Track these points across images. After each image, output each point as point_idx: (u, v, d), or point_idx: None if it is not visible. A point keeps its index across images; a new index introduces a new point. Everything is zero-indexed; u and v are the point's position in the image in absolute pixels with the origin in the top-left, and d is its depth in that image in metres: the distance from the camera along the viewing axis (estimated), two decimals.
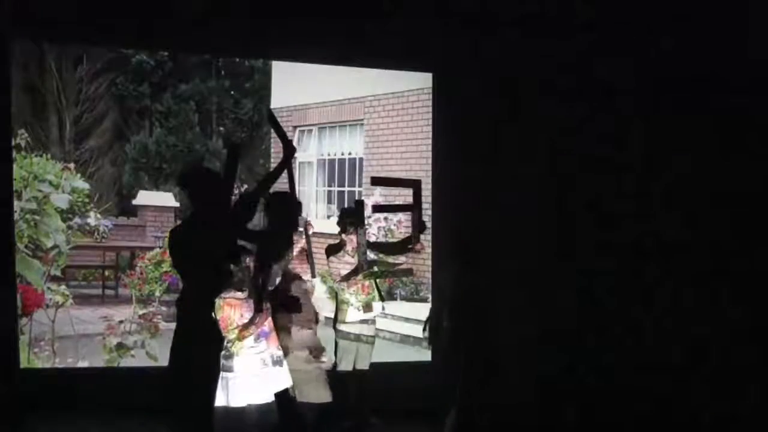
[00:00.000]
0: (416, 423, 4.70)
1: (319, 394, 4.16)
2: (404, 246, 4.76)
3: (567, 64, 4.96)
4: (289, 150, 4.07)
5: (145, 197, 9.93)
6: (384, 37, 5.08)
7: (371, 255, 4.71)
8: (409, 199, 4.64)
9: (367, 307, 4.63)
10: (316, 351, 4.05)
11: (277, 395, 3.92)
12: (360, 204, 4.76)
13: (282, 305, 4.08)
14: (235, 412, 3.92)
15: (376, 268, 4.63)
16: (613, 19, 4.83)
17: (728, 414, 4.30)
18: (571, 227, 4.96)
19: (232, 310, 3.88)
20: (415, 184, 4.66)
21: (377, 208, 5.60)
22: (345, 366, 4.64)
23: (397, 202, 5.79)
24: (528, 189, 5.05)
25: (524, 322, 4.98)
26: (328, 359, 4.30)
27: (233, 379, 3.90)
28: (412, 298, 7.66)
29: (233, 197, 3.75)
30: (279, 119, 4.56)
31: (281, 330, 4.04)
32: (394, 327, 6.77)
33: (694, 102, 4.59)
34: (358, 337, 4.61)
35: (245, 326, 3.89)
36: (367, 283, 4.60)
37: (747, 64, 4.41)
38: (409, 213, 4.89)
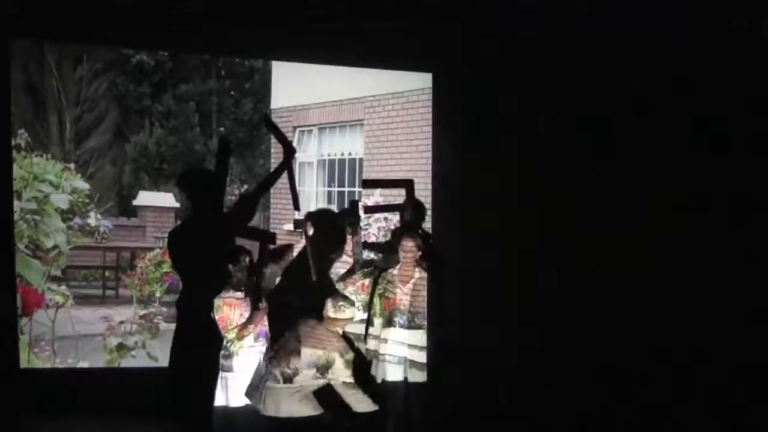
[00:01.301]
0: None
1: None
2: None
3: (567, 63, 4.96)
4: (289, 151, 4.08)
5: (145, 198, 9.92)
6: (384, 37, 5.09)
7: (370, 255, 4.71)
8: None
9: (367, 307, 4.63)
10: (323, 368, 3.96)
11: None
12: (354, 204, 4.76)
13: (280, 306, 4.06)
14: (235, 412, 3.92)
15: (373, 268, 4.62)
16: (614, 18, 4.83)
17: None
18: (571, 225, 4.96)
19: (231, 309, 3.88)
20: (407, 184, 4.66)
21: (369, 210, 5.56)
22: None
23: (396, 202, 5.79)
24: (528, 188, 5.06)
25: (523, 321, 4.98)
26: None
27: (233, 379, 3.90)
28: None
29: (233, 197, 3.75)
30: (279, 120, 4.57)
31: (291, 352, 3.92)
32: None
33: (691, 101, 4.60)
34: (357, 337, 4.60)
35: (243, 326, 3.89)
36: (366, 282, 4.60)
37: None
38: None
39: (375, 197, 7.65)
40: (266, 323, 4.06)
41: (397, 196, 5.04)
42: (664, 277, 4.70)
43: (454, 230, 5.25)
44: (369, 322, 4.43)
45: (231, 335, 3.89)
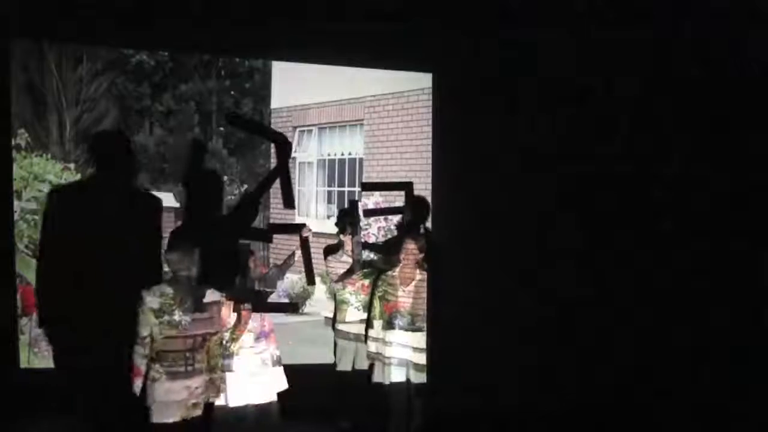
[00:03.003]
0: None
1: None
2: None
3: (567, 63, 4.96)
4: (283, 146, 3.97)
5: None
6: (384, 37, 5.09)
7: (370, 255, 4.71)
8: None
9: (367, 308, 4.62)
10: None
11: None
12: (354, 204, 4.75)
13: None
14: (234, 412, 3.92)
15: (373, 269, 4.61)
16: (614, 16, 4.83)
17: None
18: (570, 226, 4.96)
19: (229, 309, 3.88)
20: (407, 187, 4.63)
21: (368, 213, 5.52)
22: (344, 366, 4.64)
23: (396, 203, 5.79)
24: (528, 189, 5.05)
25: (522, 320, 4.98)
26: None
27: (231, 379, 3.90)
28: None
29: (233, 197, 3.74)
30: (279, 120, 4.52)
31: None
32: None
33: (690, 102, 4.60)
34: (357, 337, 4.60)
35: (234, 328, 3.90)
36: (366, 283, 4.59)
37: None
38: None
39: (375, 197, 7.66)
40: (267, 324, 4.08)
41: (398, 196, 5.04)
42: (664, 279, 4.71)
43: (454, 230, 5.25)
44: (369, 324, 4.42)
45: (227, 335, 3.89)
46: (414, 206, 4.56)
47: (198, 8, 4.72)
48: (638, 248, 4.83)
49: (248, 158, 11.82)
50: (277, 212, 9.00)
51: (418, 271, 4.27)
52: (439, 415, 4.46)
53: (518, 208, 5.06)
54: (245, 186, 10.34)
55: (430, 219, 4.92)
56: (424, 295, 4.28)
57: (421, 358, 4.24)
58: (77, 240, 3.00)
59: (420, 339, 4.25)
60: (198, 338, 3.35)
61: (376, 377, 4.28)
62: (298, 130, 10.01)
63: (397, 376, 4.24)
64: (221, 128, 12.00)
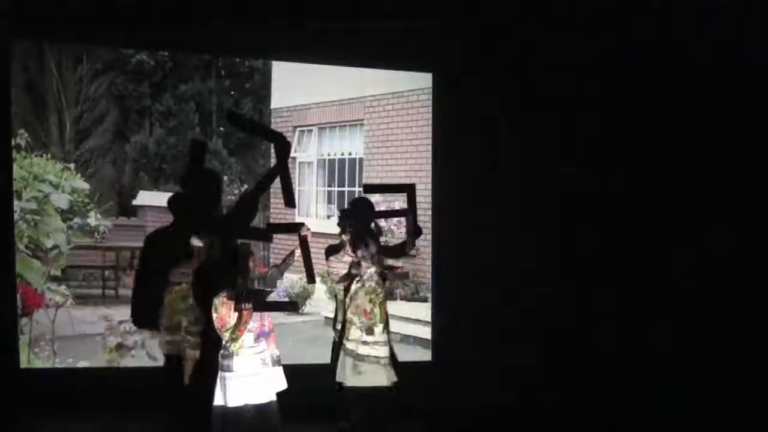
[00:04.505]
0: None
1: None
2: (400, 250, 4.70)
3: (567, 63, 4.97)
4: (282, 144, 3.96)
5: (145, 197, 9.92)
6: (384, 37, 5.10)
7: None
8: None
9: (369, 331, 4.57)
10: None
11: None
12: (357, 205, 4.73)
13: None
14: (233, 411, 3.92)
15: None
16: (614, 18, 4.83)
17: None
18: (572, 227, 4.97)
19: (229, 309, 3.87)
20: (409, 189, 4.60)
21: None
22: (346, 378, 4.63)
23: (397, 203, 5.79)
24: (528, 188, 5.06)
25: (521, 320, 4.99)
26: None
27: (231, 379, 3.90)
28: (413, 298, 7.64)
29: (233, 197, 3.75)
30: (279, 120, 4.50)
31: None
32: (395, 327, 6.75)
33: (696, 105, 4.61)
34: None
35: (234, 328, 3.90)
36: (368, 308, 4.52)
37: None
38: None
39: (374, 197, 7.65)
40: (267, 324, 4.08)
41: (398, 196, 5.04)
42: (664, 279, 4.71)
43: (454, 230, 5.26)
44: (370, 331, 4.42)
45: (227, 335, 3.88)
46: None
47: (198, 8, 4.73)
48: (638, 248, 4.84)
49: (248, 158, 11.81)
50: (277, 212, 8.99)
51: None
52: (439, 415, 4.47)
53: (518, 208, 5.07)
54: (245, 186, 10.33)
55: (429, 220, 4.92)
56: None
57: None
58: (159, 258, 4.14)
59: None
60: None
61: (350, 381, 4.28)
62: (298, 130, 10.01)
63: (375, 377, 4.25)
64: (221, 128, 11.99)
